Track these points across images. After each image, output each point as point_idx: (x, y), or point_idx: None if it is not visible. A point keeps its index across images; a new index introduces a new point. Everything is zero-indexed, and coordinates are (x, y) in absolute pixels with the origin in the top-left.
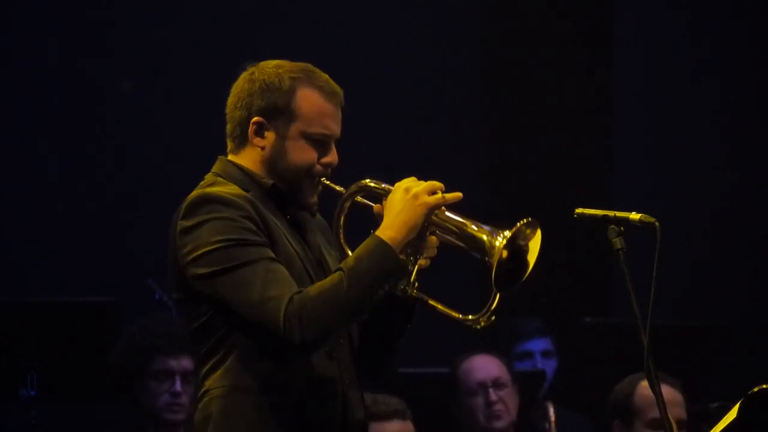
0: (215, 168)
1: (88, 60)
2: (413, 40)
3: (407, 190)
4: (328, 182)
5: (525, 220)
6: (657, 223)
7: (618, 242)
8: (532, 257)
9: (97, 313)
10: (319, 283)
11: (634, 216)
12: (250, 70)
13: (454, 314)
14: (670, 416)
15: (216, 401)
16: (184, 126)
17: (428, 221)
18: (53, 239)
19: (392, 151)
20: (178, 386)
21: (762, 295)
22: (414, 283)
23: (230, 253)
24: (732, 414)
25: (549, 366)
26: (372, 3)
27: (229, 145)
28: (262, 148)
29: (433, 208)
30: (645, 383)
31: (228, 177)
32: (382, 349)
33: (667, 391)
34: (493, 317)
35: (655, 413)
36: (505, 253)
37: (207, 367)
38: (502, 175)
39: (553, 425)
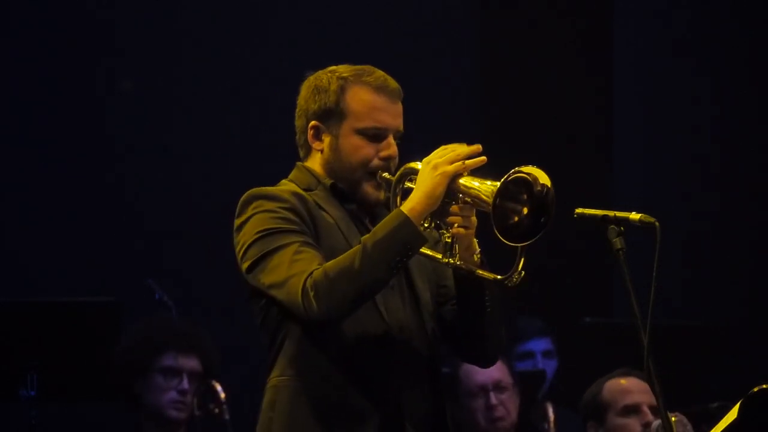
0: (291, 175)
1: (89, 60)
2: (413, 40)
3: (428, 162)
4: (385, 174)
5: (520, 168)
6: (657, 223)
7: (618, 242)
8: (551, 191)
9: (97, 313)
10: (338, 258)
11: (634, 216)
12: (309, 78)
13: (490, 276)
14: (645, 404)
15: (268, 392)
16: (184, 126)
17: (453, 189)
18: (53, 239)
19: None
20: (185, 384)
21: (762, 295)
22: (455, 254)
23: (266, 241)
24: (732, 414)
25: (550, 366)
26: (372, 3)
27: (300, 153)
28: (321, 151)
29: (453, 177)
30: (615, 379)
31: (296, 181)
32: (476, 332)
33: (637, 381)
34: (523, 273)
35: (626, 401)
36: (525, 210)
37: (270, 357)
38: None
39: (552, 425)
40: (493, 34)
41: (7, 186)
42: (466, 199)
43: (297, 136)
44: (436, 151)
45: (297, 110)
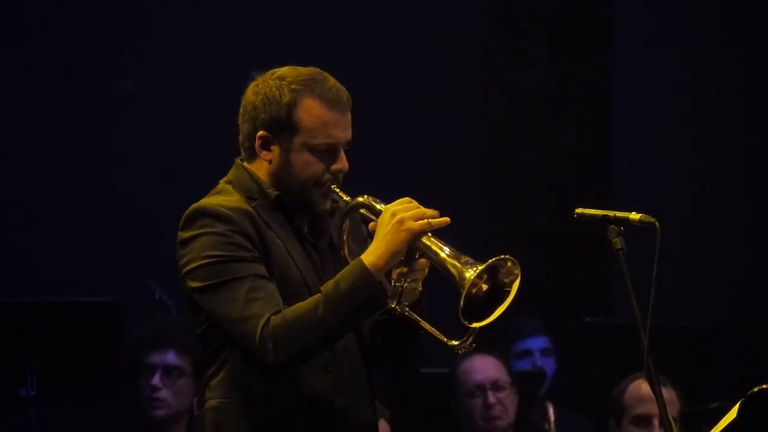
0: (230, 174)
1: (90, 60)
2: (413, 41)
3: (394, 214)
4: (337, 190)
5: (502, 256)
6: (657, 223)
7: (618, 242)
8: (509, 297)
9: (97, 313)
10: (297, 305)
11: (634, 216)
12: (256, 81)
13: (440, 337)
14: (656, 416)
15: (210, 413)
16: (185, 126)
17: (413, 247)
18: (54, 239)
19: (392, 152)
20: (155, 380)
21: (761, 295)
22: (403, 303)
23: (218, 269)
24: (732, 414)
25: (548, 364)
26: (372, 3)
27: (242, 153)
28: (269, 162)
29: (418, 235)
30: (637, 382)
31: (238, 185)
32: (397, 354)
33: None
34: (474, 345)
35: (639, 410)
36: (484, 287)
37: (208, 373)
38: (502, 176)
39: (552, 425)
40: (493, 34)
41: (7, 186)
42: (428, 258)
43: (241, 137)
44: (398, 202)
45: (242, 111)
